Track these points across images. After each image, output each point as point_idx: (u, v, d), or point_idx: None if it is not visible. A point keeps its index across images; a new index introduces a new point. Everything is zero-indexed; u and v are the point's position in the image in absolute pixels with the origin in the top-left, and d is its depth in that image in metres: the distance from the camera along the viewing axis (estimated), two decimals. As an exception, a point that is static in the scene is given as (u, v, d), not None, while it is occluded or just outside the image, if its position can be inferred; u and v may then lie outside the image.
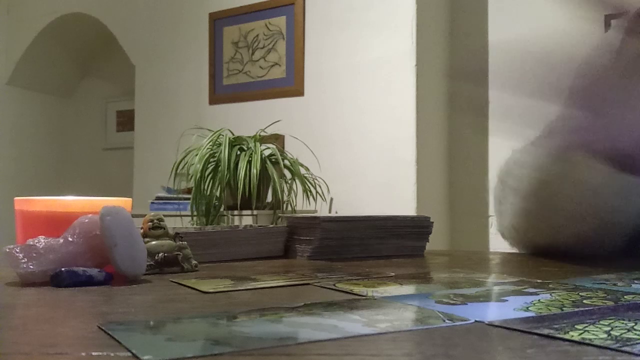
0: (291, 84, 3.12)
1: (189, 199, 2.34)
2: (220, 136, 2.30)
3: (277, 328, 0.33)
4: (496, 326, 0.33)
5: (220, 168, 2.21)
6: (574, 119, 0.82)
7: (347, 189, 2.84)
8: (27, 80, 4.34)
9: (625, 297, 0.42)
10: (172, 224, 0.71)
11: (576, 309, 0.38)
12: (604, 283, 0.49)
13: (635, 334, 0.30)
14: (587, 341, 0.29)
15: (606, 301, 0.40)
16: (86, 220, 0.53)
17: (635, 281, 0.50)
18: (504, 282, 0.50)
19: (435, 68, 3.00)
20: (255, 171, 2.17)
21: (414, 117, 2.76)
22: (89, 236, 0.52)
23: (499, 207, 0.83)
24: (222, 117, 3.22)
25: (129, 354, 0.28)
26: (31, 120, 4.44)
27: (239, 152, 2.27)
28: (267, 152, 2.34)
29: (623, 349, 0.28)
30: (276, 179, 2.27)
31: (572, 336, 0.30)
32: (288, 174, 2.40)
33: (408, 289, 0.47)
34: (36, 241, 0.51)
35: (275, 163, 2.33)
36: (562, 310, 0.37)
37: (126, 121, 4.37)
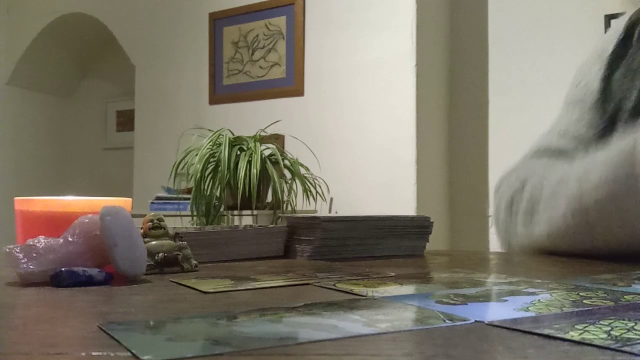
0: (291, 84, 3.12)
1: (189, 199, 2.34)
2: (220, 136, 2.30)
3: (277, 328, 0.33)
4: (496, 326, 0.33)
5: (220, 168, 2.21)
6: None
7: (347, 189, 2.85)
8: (27, 80, 4.34)
9: (625, 297, 0.42)
10: (172, 224, 0.71)
11: (576, 309, 0.38)
12: (604, 283, 0.49)
13: (635, 334, 0.30)
14: (587, 341, 0.29)
15: (606, 301, 0.40)
16: (86, 220, 0.53)
17: (635, 281, 0.50)
18: (504, 282, 0.50)
19: (435, 68, 3.00)
20: (255, 171, 2.17)
21: (414, 117, 2.76)
22: (89, 236, 0.52)
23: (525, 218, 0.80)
24: (222, 117, 3.22)
25: (129, 354, 0.28)
26: (31, 120, 4.44)
27: (239, 152, 2.27)
28: (267, 152, 2.35)
29: (623, 349, 0.28)
30: (276, 179, 2.27)
31: (572, 336, 0.30)
32: (288, 174, 2.40)
33: (408, 289, 0.47)
34: (36, 241, 0.51)
35: (275, 163, 2.33)
36: (562, 310, 0.37)
37: (126, 121, 4.37)
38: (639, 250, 0.68)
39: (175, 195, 2.68)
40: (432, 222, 0.81)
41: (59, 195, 0.63)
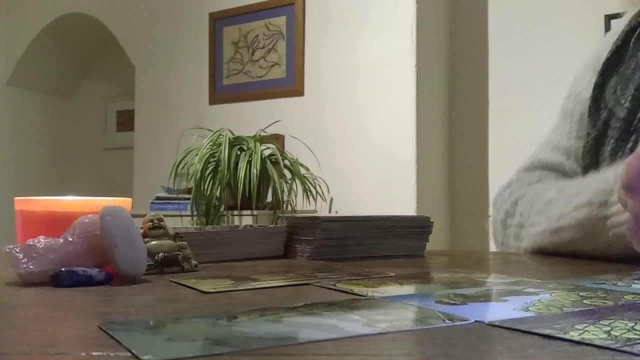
0: (291, 84, 3.12)
1: (189, 199, 2.34)
2: (220, 136, 2.30)
3: (277, 328, 0.33)
4: (496, 326, 0.33)
5: (220, 168, 2.21)
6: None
7: (347, 189, 2.85)
8: (27, 80, 4.34)
9: (625, 297, 0.42)
10: (172, 224, 0.71)
11: (576, 309, 0.38)
12: (604, 283, 0.49)
13: (635, 334, 0.30)
14: (587, 341, 0.29)
15: (606, 301, 0.40)
16: (86, 220, 0.53)
17: (635, 281, 0.50)
18: (504, 282, 0.50)
19: (435, 68, 3.00)
20: (255, 171, 2.17)
21: (414, 117, 2.76)
22: (89, 236, 0.52)
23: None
24: (222, 117, 3.22)
25: (129, 354, 0.28)
26: (31, 120, 4.44)
27: (239, 152, 2.27)
28: (267, 152, 2.35)
29: (623, 349, 0.28)
30: (276, 179, 2.27)
31: (572, 336, 0.30)
32: (288, 174, 2.40)
33: (408, 289, 0.47)
34: (36, 241, 0.51)
35: (275, 163, 2.33)
36: (562, 310, 0.37)
37: (126, 121, 4.37)
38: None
39: (175, 195, 2.68)
40: (432, 222, 0.81)
41: (59, 195, 0.63)
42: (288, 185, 2.41)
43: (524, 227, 0.82)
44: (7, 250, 0.50)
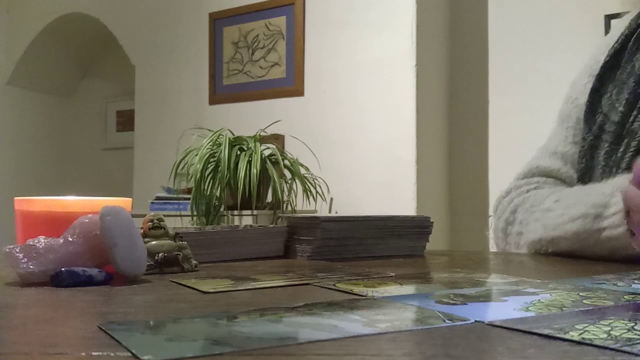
0: (291, 84, 3.12)
1: (189, 199, 2.34)
2: (220, 136, 2.30)
3: (277, 328, 0.33)
4: (496, 326, 0.33)
5: (220, 168, 2.21)
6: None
7: (347, 189, 2.84)
8: (27, 80, 4.33)
9: (625, 297, 0.42)
10: (172, 224, 0.71)
11: (576, 309, 0.38)
12: (604, 283, 0.49)
13: (635, 334, 0.30)
14: (587, 341, 0.29)
15: (606, 301, 0.40)
16: (86, 220, 0.53)
17: (635, 281, 0.50)
18: (504, 282, 0.50)
19: (435, 68, 3.00)
20: (255, 171, 2.17)
21: (414, 117, 2.76)
22: (89, 236, 0.52)
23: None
24: (222, 117, 3.22)
25: (129, 354, 0.28)
26: (31, 120, 4.44)
27: (239, 152, 2.27)
28: (267, 152, 2.34)
29: (623, 349, 0.28)
30: (276, 179, 2.27)
31: (572, 336, 0.30)
32: (288, 174, 2.40)
33: (408, 289, 0.47)
34: (36, 241, 0.51)
35: (275, 163, 2.33)
36: (562, 310, 0.37)
37: (126, 121, 4.37)
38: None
39: (175, 195, 2.68)
40: (432, 222, 0.81)
41: (59, 195, 0.63)
42: (288, 185, 2.41)
43: (523, 235, 0.84)
44: (7, 250, 0.50)
